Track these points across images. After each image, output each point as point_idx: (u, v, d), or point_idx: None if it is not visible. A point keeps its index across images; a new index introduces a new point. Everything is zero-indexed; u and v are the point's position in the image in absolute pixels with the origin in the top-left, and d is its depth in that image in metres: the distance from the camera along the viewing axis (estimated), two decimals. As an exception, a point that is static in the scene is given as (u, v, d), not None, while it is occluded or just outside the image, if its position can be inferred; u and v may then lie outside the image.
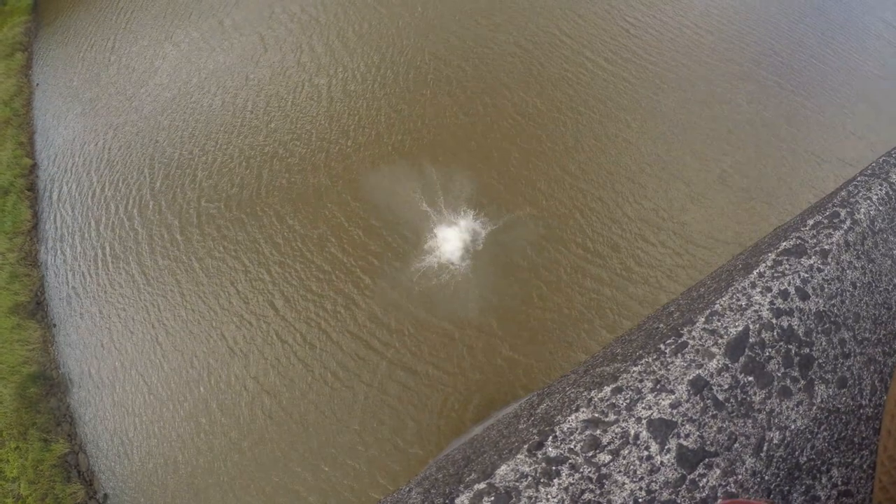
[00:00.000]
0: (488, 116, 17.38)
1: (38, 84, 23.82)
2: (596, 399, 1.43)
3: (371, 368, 13.76)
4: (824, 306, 1.64)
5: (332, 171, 16.87)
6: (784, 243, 1.78)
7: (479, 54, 18.90)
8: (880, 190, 1.93)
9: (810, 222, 1.84)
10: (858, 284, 1.73)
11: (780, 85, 18.27)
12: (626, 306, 14.08)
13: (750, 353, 1.50)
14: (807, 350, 1.57)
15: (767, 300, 1.59)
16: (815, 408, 1.53)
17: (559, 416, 1.44)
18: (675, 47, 19.08)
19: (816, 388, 1.55)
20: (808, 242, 1.76)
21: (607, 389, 1.45)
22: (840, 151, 16.67)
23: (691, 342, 1.52)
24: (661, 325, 1.81)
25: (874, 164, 2.09)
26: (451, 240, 14.99)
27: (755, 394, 1.46)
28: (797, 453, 1.47)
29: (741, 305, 1.60)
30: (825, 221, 1.82)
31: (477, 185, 16.11)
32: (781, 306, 1.59)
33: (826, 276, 1.68)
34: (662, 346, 1.53)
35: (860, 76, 19.05)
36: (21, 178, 19.87)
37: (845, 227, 1.78)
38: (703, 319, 1.57)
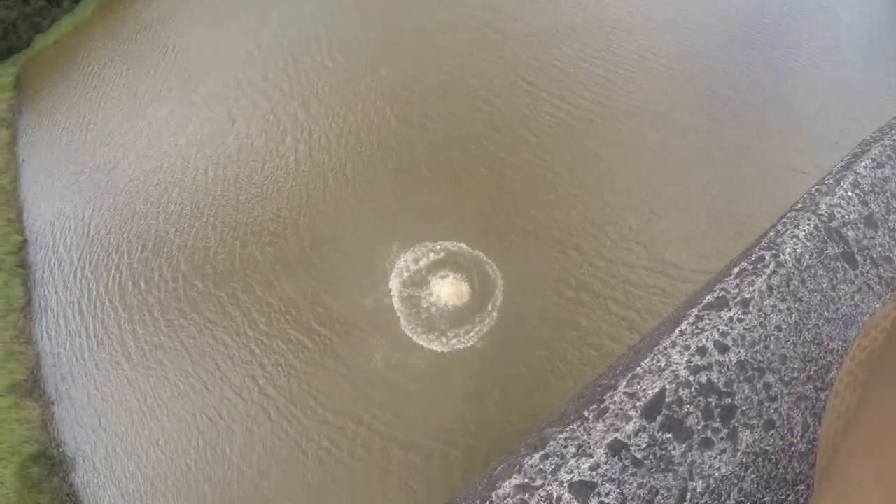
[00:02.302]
0: (458, 169, 17.55)
1: (24, 160, 24.06)
2: (527, 466, 1.54)
3: (363, 440, 13.69)
4: (745, 355, 1.68)
5: (302, 240, 17.02)
6: (707, 297, 1.82)
7: (444, 109, 19.20)
8: (808, 224, 1.93)
9: (735, 270, 1.86)
10: (783, 327, 1.76)
11: (750, 103, 18.56)
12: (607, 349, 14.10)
13: (667, 412, 1.58)
14: (728, 400, 1.63)
15: (685, 359, 1.67)
16: (739, 454, 1.59)
17: (499, 482, 1.54)
18: (640, 78, 19.45)
19: (740, 434, 1.61)
20: (730, 293, 1.79)
21: (536, 456, 1.56)
22: (816, 159, 16.79)
23: (612, 406, 1.61)
24: (606, 382, 1.90)
25: (805, 196, 2.11)
26: (430, 302, 15.01)
27: (674, 449, 1.54)
28: (724, 498, 1.54)
29: (660, 367, 1.69)
30: (749, 268, 1.84)
31: (452, 241, 16.23)
32: (699, 363, 1.66)
33: (747, 324, 1.72)
34: (586, 413, 1.64)
35: (826, 81, 19.39)
36: (12, 255, 19.96)
37: (769, 272, 1.79)
38: (624, 383, 1.67)
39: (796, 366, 1.74)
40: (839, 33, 21.24)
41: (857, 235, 1.94)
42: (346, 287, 15.78)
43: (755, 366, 1.69)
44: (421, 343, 14.58)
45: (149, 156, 21.19)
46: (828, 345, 1.81)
